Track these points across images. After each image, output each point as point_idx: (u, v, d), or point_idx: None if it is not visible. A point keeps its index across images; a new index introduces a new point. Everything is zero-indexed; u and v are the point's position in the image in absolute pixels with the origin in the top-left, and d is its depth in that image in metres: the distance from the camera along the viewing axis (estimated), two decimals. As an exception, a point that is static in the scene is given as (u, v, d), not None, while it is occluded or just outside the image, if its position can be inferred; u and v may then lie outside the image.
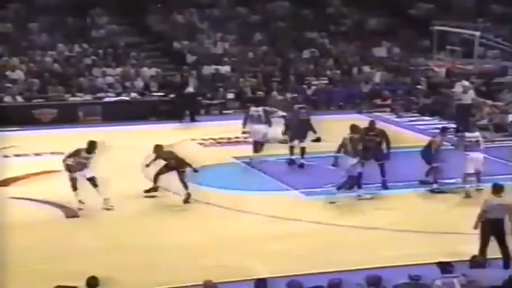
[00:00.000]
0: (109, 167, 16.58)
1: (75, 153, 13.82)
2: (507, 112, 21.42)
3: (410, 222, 13.15)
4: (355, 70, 26.13)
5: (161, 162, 14.60)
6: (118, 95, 23.36)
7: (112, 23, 26.76)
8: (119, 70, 24.49)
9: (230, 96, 24.10)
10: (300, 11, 28.62)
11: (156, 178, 14.62)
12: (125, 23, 27.00)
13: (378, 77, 25.72)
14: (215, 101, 23.86)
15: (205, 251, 11.86)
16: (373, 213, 13.74)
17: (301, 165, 16.78)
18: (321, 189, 15.06)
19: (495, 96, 23.46)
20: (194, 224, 13.21)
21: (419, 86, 25.10)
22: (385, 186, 15.01)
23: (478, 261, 9.46)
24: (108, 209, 13.73)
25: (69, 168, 13.76)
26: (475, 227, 11.07)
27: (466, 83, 23.95)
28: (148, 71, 24.65)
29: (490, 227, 10.99)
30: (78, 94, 23.27)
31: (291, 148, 16.96)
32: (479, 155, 14.77)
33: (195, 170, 14.28)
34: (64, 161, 13.88)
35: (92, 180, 13.75)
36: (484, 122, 21.00)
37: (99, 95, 23.29)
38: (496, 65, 25.41)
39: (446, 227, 12.82)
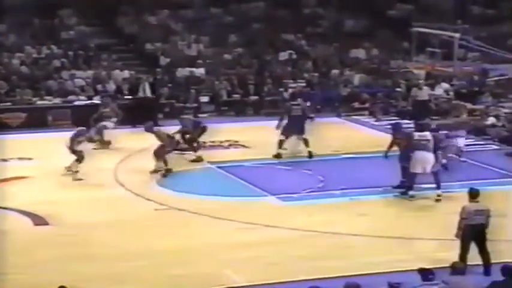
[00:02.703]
0: (79, 172, 16.48)
1: None
2: (487, 115, 21.58)
3: (390, 228, 13.17)
4: (333, 72, 26.20)
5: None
6: (89, 98, 23.19)
7: (82, 24, 26.57)
8: (89, 73, 24.34)
9: (204, 99, 24.04)
10: (276, 12, 28.65)
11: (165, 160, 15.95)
12: (95, 24, 26.82)
13: (356, 79, 25.81)
14: (189, 105, 23.76)
15: (177, 259, 11.77)
16: (351, 219, 13.74)
17: (311, 155, 17.63)
18: (298, 194, 15.06)
19: (475, 99, 23.65)
20: (165, 232, 13.11)
21: (398, 89, 25.22)
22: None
23: (459, 268, 9.48)
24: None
25: None
26: (457, 236, 11.11)
27: (446, 85, 24.19)
28: (120, 74, 24.51)
29: (469, 233, 11.04)
30: (47, 97, 23.06)
31: (281, 142, 17.67)
32: (427, 155, 14.61)
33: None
34: None
35: None
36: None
37: (69, 98, 23.11)
38: (476, 67, 25.63)
39: (426, 233, 12.86)
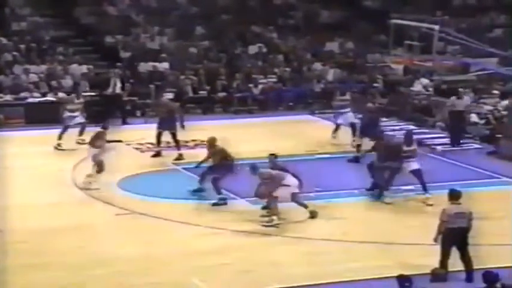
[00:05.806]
0: (34, 174, 16.37)
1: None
2: (469, 112, 21.79)
3: (366, 233, 13.27)
4: (306, 67, 26.31)
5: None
6: (43, 95, 23.04)
7: (35, 15, 26.38)
8: (44, 67, 24.17)
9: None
10: (245, 2, 28.69)
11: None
12: (49, 15, 26.64)
13: (330, 74, 25.93)
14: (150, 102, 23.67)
15: (139, 268, 11.74)
16: (325, 224, 13.82)
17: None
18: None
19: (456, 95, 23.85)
20: (127, 238, 13.08)
21: (375, 85, 25.39)
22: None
23: (439, 275, 9.62)
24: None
25: None
26: (436, 240, 11.21)
27: (425, 81, 24.39)
28: (78, 69, 24.38)
29: (450, 237, 11.14)
30: (-2, 94, 22.92)
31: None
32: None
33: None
34: None
35: None
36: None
37: (22, 95, 22.94)
38: (456, 61, 25.88)
39: (404, 237, 12.98)
